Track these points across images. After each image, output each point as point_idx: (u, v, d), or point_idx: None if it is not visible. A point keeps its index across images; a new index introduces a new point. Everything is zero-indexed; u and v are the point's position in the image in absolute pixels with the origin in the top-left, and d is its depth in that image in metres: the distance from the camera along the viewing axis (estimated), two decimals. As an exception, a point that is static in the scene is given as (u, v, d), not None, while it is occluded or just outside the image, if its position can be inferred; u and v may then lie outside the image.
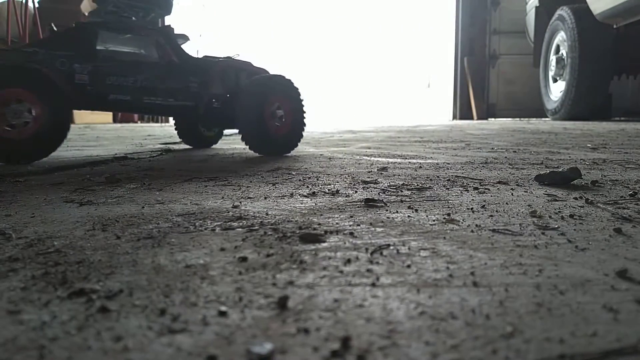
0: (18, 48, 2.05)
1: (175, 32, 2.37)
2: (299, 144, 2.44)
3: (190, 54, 2.35)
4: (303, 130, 2.43)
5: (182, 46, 2.40)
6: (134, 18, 2.29)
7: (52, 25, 2.17)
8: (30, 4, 6.64)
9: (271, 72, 2.50)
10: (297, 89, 2.39)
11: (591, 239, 0.77)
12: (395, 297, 0.54)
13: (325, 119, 12.08)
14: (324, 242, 0.77)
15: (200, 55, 2.56)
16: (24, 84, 1.83)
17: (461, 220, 0.90)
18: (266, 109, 2.25)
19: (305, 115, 2.43)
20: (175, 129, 3.07)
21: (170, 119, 10.27)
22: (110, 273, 0.63)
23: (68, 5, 7.25)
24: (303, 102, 2.41)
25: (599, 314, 0.49)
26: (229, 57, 2.46)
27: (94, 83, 2.05)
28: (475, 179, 1.44)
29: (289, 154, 2.34)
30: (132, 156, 2.34)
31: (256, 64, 2.52)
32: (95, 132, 5.19)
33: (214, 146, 3.08)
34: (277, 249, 0.73)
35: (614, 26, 6.13)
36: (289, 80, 2.37)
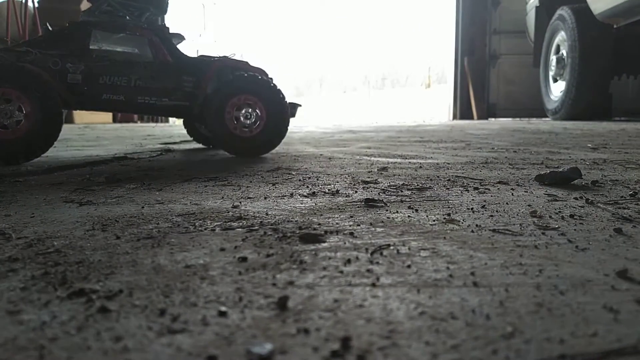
0: (10, 47, 2.05)
1: (171, 31, 2.36)
2: (278, 145, 2.33)
3: (185, 53, 2.34)
4: (283, 131, 2.30)
5: (179, 45, 2.39)
6: (128, 17, 2.28)
7: (47, 24, 2.17)
8: (30, 4, 6.63)
9: (268, 72, 2.46)
10: (275, 87, 2.28)
11: (591, 239, 0.77)
12: (395, 297, 0.54)
13: (326, 119, 12.08)
14: (324, 242, 0.77)
15: (196, 55, 2.54)
16: (13, 83, 1.83)
17: (461, 220, 0.90)
18: (228, 109, 2.19)
19: (285, 115, 2.29)
20: (186, 129, 3.11)
21: (172, 119, 10.24)
22: (110, 273, 0.63)
23: (68, 5, 7.25)
24: (282, 103, 2.29)
25: (599, 314, 0.49)
26: (225, 57, 2.45)
27: (87, 82, 2.05)
28: (475, 179, 1.44)
29: (287, 154, 2.34)
30: (132, 156, 2.34)
31: (253, 63, 2.50)
32: (95, 132, 5.19)
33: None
34: (277, 249, 0.73)
35: (614, 26, 6.12)
36: (265, 80, 2.29)
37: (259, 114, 2.25)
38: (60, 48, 2.03)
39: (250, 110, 2.25)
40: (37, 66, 1.93)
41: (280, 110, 2.28)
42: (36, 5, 6.79)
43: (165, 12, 2.45)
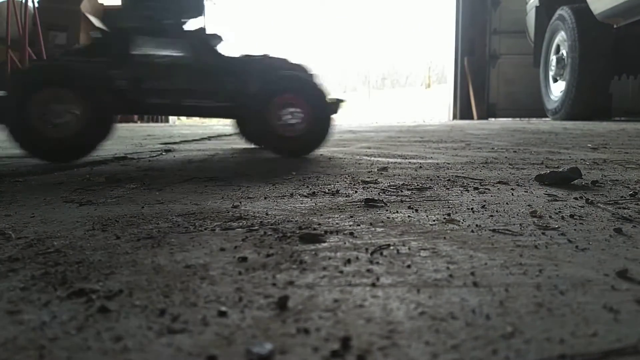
0: (66, 52, 2.14)
1: (208, 32, 2.35)
2: (322, 143, 2.25)
3: (226, 54, 2.31)
4: (327, 129, 2.22)
5: (218, 46, 2.38)
6: (167, 21, 2.29)
7: (96, 31, 2.25)
8: (30, 4, 6.64)
9: (309, 68, 2.39)
10: (317, 85, 2.21)
11: (591, 239, 0.77)
12: (395, 297, 0.54)
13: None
14: (324, 242, 0.77)
15: (238, 54, 2.49)
16: (67, 85, 1.89)
17: (461, 220, 0.90)
18: (271, 109, 2.16)
19: (328, 113, 2.22)
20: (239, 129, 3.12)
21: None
22: (110, 273, 0.63)
23: (68, 5, 7.25)
24: (325, 100, 2.21)
25: (599, 314, 0.49)
26: (265, 55, 2.42)
27: (133, 88, 2.10)
28: (475, 179, 1.44)
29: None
30: (132, 156, 2.34)
31: (292, 60, 2.43)
32: (95, 132, 5.19)
33: (211, 146, 3.08)
34: (277, 249, 0.73)
35: (614, 26, 6.12)
36: (307, 78, 2.23)
37: (302, 112, 2.19)
38: (106, 54, 2.10)
39: (293, 109, 2.19)
40: (89, 72, 2.01)
41: (323, 108, 2.22)
42: (36, 5, 6.80)
43: (202, 14, 2.44)
